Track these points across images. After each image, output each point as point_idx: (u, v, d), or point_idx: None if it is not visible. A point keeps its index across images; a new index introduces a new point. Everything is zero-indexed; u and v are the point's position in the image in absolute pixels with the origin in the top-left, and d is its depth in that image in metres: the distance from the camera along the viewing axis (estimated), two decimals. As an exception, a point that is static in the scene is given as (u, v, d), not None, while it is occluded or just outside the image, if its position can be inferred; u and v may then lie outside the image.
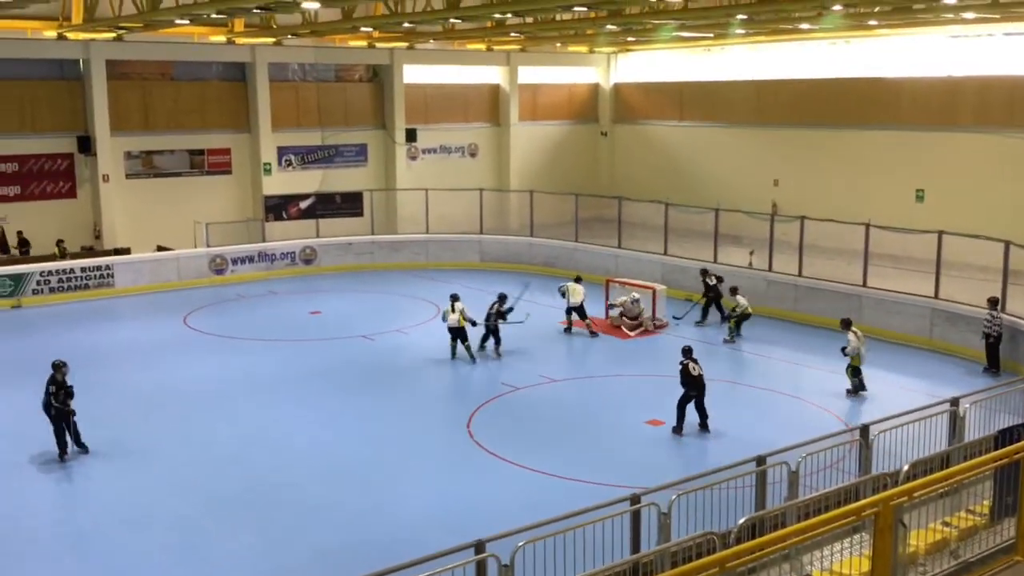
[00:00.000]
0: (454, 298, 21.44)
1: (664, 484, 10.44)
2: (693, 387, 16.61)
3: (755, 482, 11.11)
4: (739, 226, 28.27)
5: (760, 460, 11.10)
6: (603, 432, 16.94)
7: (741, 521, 9.06)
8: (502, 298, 21.88)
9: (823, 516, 8.02)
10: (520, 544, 8.76)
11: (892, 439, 12.03)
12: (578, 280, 23.98)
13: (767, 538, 7.64)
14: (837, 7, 22.92)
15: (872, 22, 27.41)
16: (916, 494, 8.47)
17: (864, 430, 12.12)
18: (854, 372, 18.84)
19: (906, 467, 10.28)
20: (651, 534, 10.04)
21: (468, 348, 21.12)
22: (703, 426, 16.65)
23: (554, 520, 9.25)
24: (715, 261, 26.44)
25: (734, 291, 23.41)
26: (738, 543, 8.10)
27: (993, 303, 19.99)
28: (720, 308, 24.12)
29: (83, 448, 15.55)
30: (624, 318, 23.83)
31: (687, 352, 16.95)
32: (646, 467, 14.69)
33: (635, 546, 10.12)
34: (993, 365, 19.94)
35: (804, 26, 28.44)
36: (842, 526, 8.17)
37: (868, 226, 23.37)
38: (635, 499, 10.03)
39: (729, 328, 22.95)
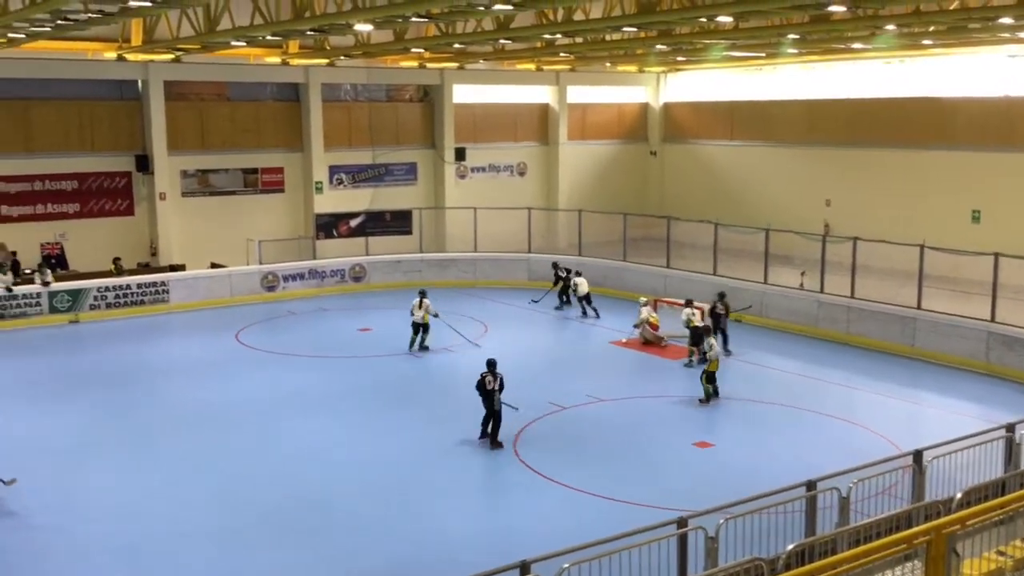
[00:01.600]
0: (422, 294, 22.96)
1: (712, 508, 10.33)
2: (486, 400, 16.66)
3: (805, 508, 10.95)
4: (790, 246, 27.99)
5: (810, 485, 10.95)
6: (650, 453, 16.82)
7: (790, 547, 8.93)
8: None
9: (874, 543, 7.88)
10: (566, 566, 8.73)
11: (946, 465, 11.79)
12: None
13: (816, 565, 7.52)
14: (891, 27, 22.70)
15: (927, 41, 27.06)
16: (970, 522, 8.30)
17: (918, 456, 11.90)
18: (709, 378, 19.04)
19: (959, 494, 10.07)
20: (698, 559, 9.94)
21: (423, 341, 23.05)
22: (493, 443, 16.64)
23: (600, 542, 9.18)
24: (766, 282, 26.21)
25: (689, 303, 23.00)
26: (787, 570, 7.99)
27: None
28: (567, 295, 27.62)
29: None
30: (647, 327, 23.86)
31: (489, 364, 16.93)
32: (693, 490, 14.54)
33: (682, 570, 10.01)
34: None
35: (857, 45, 28.17)
36: (894, 554, 8.03)
37: (923, 247, 23.01)
38: (682, 522, 9.93)
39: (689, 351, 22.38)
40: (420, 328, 23.11)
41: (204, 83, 32.30)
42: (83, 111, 30.34)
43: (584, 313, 27.26)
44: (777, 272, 26.73)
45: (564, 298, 28.34)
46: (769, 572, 8.63)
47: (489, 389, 16.68)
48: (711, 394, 19.29)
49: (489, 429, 16.84)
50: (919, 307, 23.01)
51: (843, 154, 34.51)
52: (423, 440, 17.37)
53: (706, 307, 23.11)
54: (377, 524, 13.74)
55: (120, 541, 13.19)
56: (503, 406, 16.80)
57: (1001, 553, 9.18)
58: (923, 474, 11.78)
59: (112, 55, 28.53)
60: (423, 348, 23.19)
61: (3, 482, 14.31)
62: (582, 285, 27.32)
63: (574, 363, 22.42)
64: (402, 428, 18.01)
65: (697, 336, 21.95)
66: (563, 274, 28.45)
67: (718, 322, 23.02)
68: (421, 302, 23.04)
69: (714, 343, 19.67)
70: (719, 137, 39.58)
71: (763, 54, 32.23)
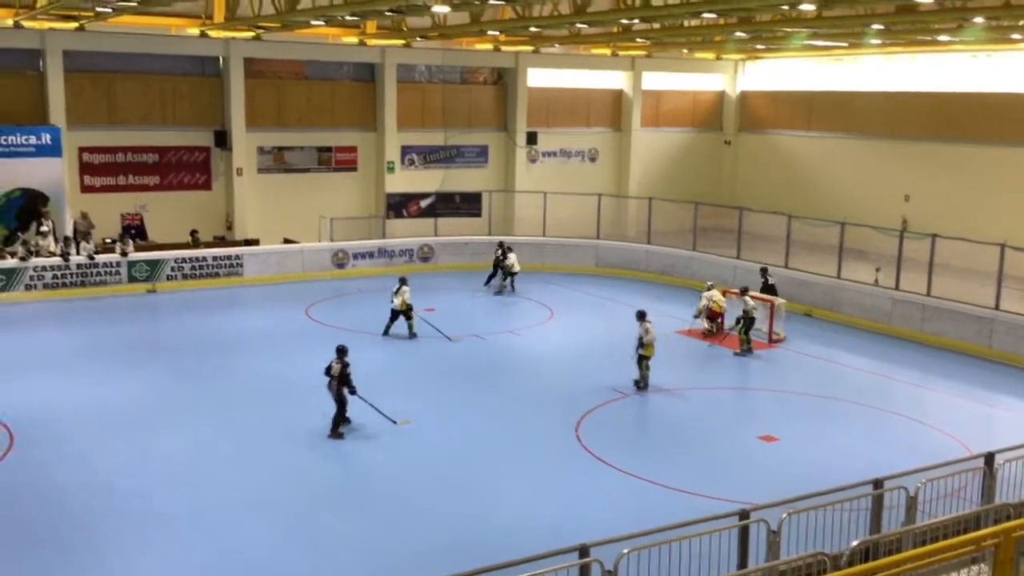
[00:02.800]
0: (402, 281, 22.59)
1: (775, 501, 10.25)
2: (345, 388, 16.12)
3: (870, 506, 10.80)
4: (865, 241, 27.45)
5: (877, 483, 10.78)
6: (714, 445, 16.70)
7: (854, 543, 8.83)
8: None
9: (941, 544, 7.77)
10: (625, 551, 8.74)
11: (1019, 470, 11.52)
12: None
13: (881, 562, 7.44)
14: (979, 19, 22.06)
15: (1015, 36, 26.25)
16: (1042, 528, 8.11)
17: (989, 458, 11.65)
18: (642, 361, 18.86)
19: (1032, 499, 9.85)
20: (759, 552, 9.88)
21: (410, 326, 22.59)
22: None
23: (660, 530, 9.18)
24: (839, 276, 25.78)
25: (744, 291, 22.91)
26: (850, 566, 7.90)
27: None
28: (501, 272, 28.15)
29: None
30: (705, 319, 23.70)
31: (338, 351, 16.29)
32: (756, 483, 14.44)
33: (742, 562, 9.97)
34: None
35: (943, 38, 27.45)
36: (960, 555, 7.91)
37: (1003, 247, 22.40)
38: (744, 514, 9.87)
39: (740, 340, 22.24)
40: (398, 315, 22.60)
41: (283, 61, 32.78)
42: (166, 86, 31.04)
43: (501, 291, 28.13)
44: (851, 267, 26.25)
45: (496, 272, 28.61)
46: (832, 567, 8.54)
47: (329, 375, 16.11)
48: (647, 380, 19.00)
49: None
50: (997, 308, 22.42)
51: (924, 148, 33.70)
52: (483, 420, 17.49)
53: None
54: (437, 504, 13.89)
55: (193, 506, 13.56)
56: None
57: (1073, 561, 8.95)
58: (994, 477, 11.54)
59: (195, 31, 29.12)
60: (412, 335, 22.69)
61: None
62: (513, 261, 28.16)
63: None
64: (462, 408, 18.15)
65: (749, 322, 22.12)
66: (499, 254, 28.63)
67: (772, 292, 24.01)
68: (400, 289, 22.51)
69: (650, 327, 18.99)
70: (796, 127, 38.93)
71: (845, 44, 31.57)
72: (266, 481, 14.52)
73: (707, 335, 23.47)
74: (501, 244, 29.15)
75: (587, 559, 8.64)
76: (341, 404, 16.23)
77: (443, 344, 22.34)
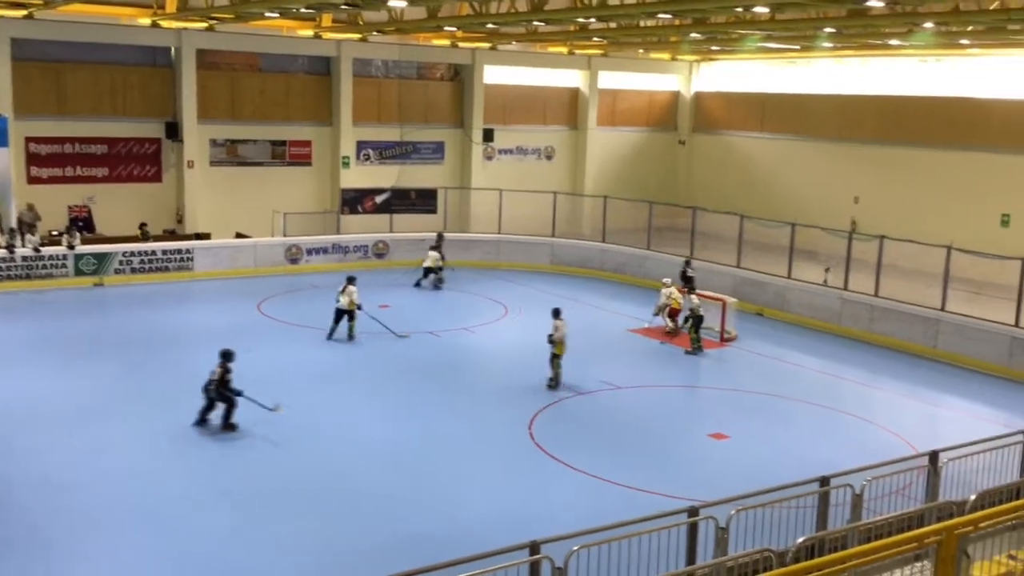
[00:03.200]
0: (350, 280, 22.03)
1: (724, 499, 10.34)
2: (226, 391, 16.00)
3: (817, 503, 10.94)
4: (816, 242, 27.81)
5: (824, 481, 10.92)
6: (664, 442, 16.83)
7: (800, 540, 8.93)
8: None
9: (885, 541, 7.87)
10: (575, 548, 8.75)
11: (962, 468, 11.74)
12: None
13: (826, 559, 7.51)
14: (928, 24, 22.46)
15: (964, 41, 26.77)
16: (982, 524, 8.26)
17: (933, 457, 11.85)
18: (553, 360, 18.94)
19: (973, 496, 10.02)
20: (707, 548, 9.95)
21: (350, 330, 21.84)
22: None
23: (611, 527, 9.21)
24: (790, 276, 26.09)
25: (691, 290, 23.40)
26: (796, 562, 7.98)
27: None
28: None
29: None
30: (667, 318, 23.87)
31: (222, 355, 16.17)
32: (706, 480, 14.56)
33: (691, 558, 10.04)
34: None
35: (894, 42, 27.90)
36: (904, 552, 8.01)
37: (950, 249, 22.82)
38: (693, 511, 9.95)
39: (691, 339, 22.43)
40: (343, 315, 21.80)
41: (236, 53, 32.39)
42: (116, 76, 30.52)
43: (418, 284, 28.30)
44: (801, 267, 26.60)
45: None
46: (778, 564, 8.63)
47: (209, 379, 16.08)
48: (558, 379, 19.04)
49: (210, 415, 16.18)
50: (943, 309, 22.84)
51: (874, 151, 34.23)
52: (436, 418, 17.44)
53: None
54: (390, 501, 13.83)
55: (137, 502, 13.36)
56: None
57: (1012, 557, 9.13)
58: (938, 475, 11.73)
59: (146, 21, 28.64)
60: (350, 337, 21.93)
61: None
62: (430, 258, 28.30)
63: (592, 349, 22.40)
64: (416, 405, 18.09)
65: (698, 320, 22.34)
66: (435, 245, 29.10)
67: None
68: (347, 288, 21.78)
69: (560, 324, 18.96)
70: (749, 129, 39.34)
71: (798, 46, 31.98)
72: (216, 476, 14.36)
73: (670, 334, 23.61)
74: (441, 236, 29.89)
75: (537, 556, 8.64)
76: (228, 402, 16.18)
77: (396, 342, 22.21)
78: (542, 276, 30.63)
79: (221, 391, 16.14)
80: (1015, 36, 24.86)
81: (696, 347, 22.32)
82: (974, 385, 20.78)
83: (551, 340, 18.96)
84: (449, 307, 26.77)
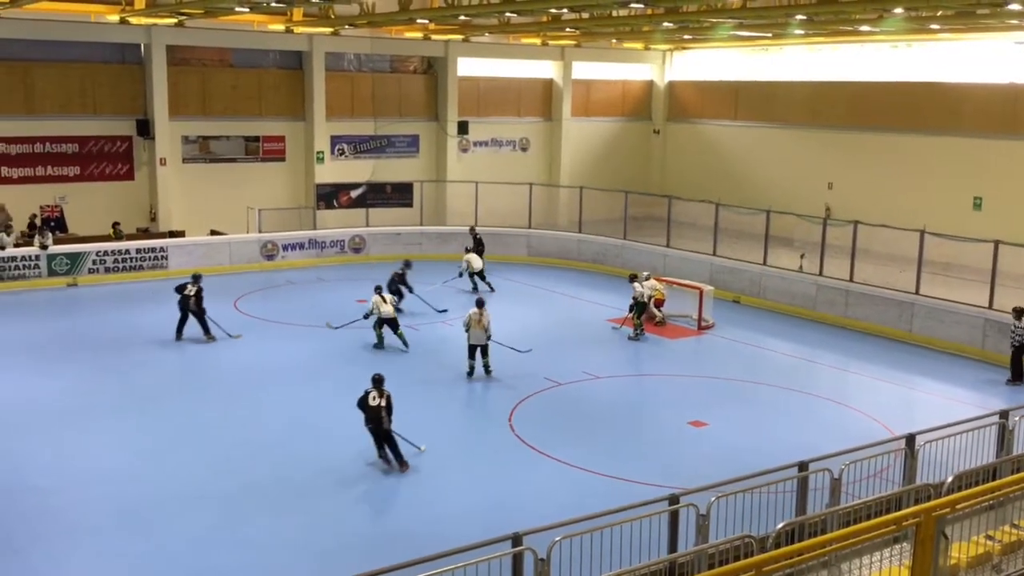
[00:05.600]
0: (377, 290, 21.49)
1: (704, 486, 10.39)
2: (370, 419, 14.57)
3: (796, 488, 11.01)
4: (791, 229, 27.98)
5: (802, 466, 10.99)
6: (645, 431, 16.90)
7: (780, 526, 8.99)
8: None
9: (864, 524, 7.94)
10: (557, 539, 8.78)
11: (939, 450, 11.83)
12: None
13: (806, 543, 7.58)
14: (898, 10, 22.59)
15: (934, 26, 26.93)
16: (960, 506, 8.35)
17: (910, 440, 11.95)
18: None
19: (950, 478, 10.13)
20: (689, 535, 10.01)
21: (402, 336, 21.05)
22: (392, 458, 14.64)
23: (592, 516, 9.25)
24: (765, 263, 26.22)
25: (633, 277, 23.31)
26: (776, 548, 8.04)
27: (1018, 313, 19.54)
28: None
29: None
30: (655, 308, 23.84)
31: (375, 381, 14.70)
32: (687, 468, 14.63)
33: (672, 546, 10.09)
34: (1015, 375, 19.54)
35: (864, 28, 28.04)
36: (883, 535, 8.07)
37: (923, 233, 23.00)
38: (674, 499, 10.00)
39: (634, 324, 22.65)
40: (385, 323, 21.03)
41: (207, 49, 32.12)
42: (85, 74, 30.20)
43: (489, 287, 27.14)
44: (777, 254, 26.74)
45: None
46: (759, 549, 8.68)
47: (374, 406, 14.49)
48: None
49: (388, 453, 14.66)
50: (917, 292, 23.03)
51: (847, 137, 34.43)
52: (417, 412, 17.38)
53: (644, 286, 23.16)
54: (369, 495, 13.82)
55: (117, 504, 13.25)
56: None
57: (990, 537, 9.24)
58: (915, 458, 11.84)
59: (115, 18, 28.35)
60: (405, 344, 21.11)
61: None
62: (638, 288, 23.40)
63: (571, 339, 22.45)
64: (396, 400, 18.01)
65: (640, 306, 22.53)
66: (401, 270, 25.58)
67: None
68: (384, 297, 21.26)
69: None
70: (723, 117, 39.46)
71: (769, 34, 32.10)
72: (192, 477, 14.24)
73: (659, 324, 23.64)
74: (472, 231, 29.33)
75: (520, 547, 8.66)
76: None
77: (374, 337, 22.14)
78: (520, 268, 30.62)
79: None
80: (984, 20, 25.05)
81: (639, 332, 22.51)
82: (949, 367, 20.97)
83: (466, 327, 19.10)
84: (427, 300, 26.67)
